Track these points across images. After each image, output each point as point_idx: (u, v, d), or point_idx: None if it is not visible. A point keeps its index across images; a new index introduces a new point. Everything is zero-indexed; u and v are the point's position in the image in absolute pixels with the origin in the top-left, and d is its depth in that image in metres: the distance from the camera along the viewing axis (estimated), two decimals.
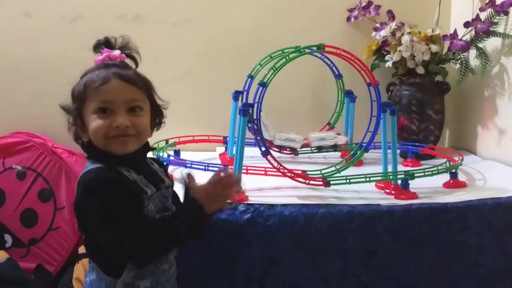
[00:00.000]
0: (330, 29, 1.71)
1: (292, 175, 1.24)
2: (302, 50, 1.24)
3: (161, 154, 1.40)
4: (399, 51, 1.51)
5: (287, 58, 1.23)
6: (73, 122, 0.91)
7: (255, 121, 1.20)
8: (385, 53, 1.60)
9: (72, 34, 1.63)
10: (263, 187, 1.28)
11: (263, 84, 1.22)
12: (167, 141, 1.54)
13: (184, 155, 1.53)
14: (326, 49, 1.26)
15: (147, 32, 1.64)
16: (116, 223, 0.82)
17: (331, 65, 1.56)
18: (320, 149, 1.51)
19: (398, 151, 1.61)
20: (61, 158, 1.55)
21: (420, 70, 1.55)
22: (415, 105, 1.58)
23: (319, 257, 1.15)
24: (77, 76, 0.93)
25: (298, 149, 1.50)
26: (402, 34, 1.53)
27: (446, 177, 1.33)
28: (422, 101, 1.58)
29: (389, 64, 1.57)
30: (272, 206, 1.16)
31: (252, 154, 1.33)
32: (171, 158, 1.39)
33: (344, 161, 1.35)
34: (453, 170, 1.33)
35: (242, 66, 1.55)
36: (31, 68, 1.64)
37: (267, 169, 1.27)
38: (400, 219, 1.16)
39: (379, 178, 1.26)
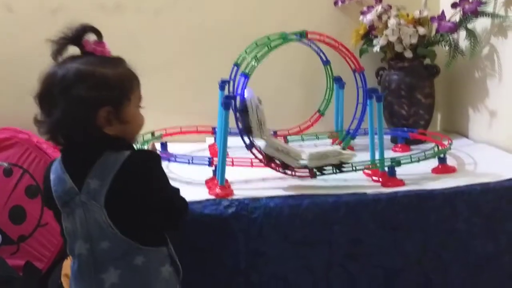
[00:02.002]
0: (318, 14, 1.68)
1: (278, 167, 1.22)
2: (284, 37, 1.21)
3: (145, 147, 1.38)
4: (386, 35, 1.48)
5: (269, 46, 1.20)
6: (107, 112, 0.86)
7: (238, 113, 1.18)
8: (373, 37, 1.57)
9: (53, 26, 1.59)
10: (250, 179, 1.26)
11: (246, 75, 1.19)
12: (153, 133, 1.52)
13: (172, 147, 1.51)
14: (309, 35, 1.23)
15: (129, 21, 1.60)
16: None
17: (319, 51, 1.52)
18: (321, 170, 1.20)
19: (389, 136, 1.60)
20: (46, 154, 1.53)
21: (408, 54, 1.52)
22: (404, 90, 1.56)
23: (304, 248, 1.13)
24: None
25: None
26: (389, 17, 1.50)
27: (435, 162, 1.31)
28: (411, 85, 1.55)
29: (376, 48, 1.54)
30: (257, 198, 1.14)
31: (241, 144, 1.30)
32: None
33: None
34: (442, 155, 1.31)
35: (228, 53, 1.51)
36: (13, 63, 1.61)
37: (253, 161, 1.26)
38: (385, 207, 1.15)
39: (365, 166, 1.24)
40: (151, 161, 0.90)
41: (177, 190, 0.95)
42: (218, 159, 1.19)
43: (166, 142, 1.51)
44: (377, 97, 1.25)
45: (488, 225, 1.19)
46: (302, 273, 1.14)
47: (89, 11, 1.58)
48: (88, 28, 0.89)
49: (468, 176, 1.27)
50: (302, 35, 1.22)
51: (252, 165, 1.26)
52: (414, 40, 1.49)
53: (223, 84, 1.48)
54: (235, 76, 1.49)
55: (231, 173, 1.25)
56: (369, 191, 1.18)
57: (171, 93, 1.64)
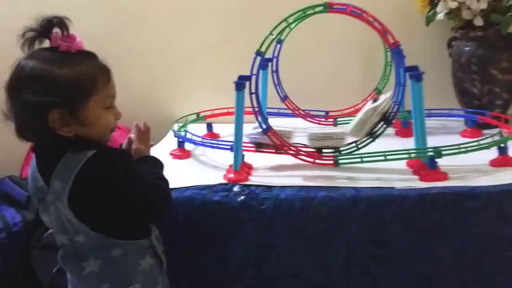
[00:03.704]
0: None
1: (295, 153, 1.13)
2: (303, 12, 1.10)
3: (182, 129, 1.37)
4: (445, 0, 1.26)
5: (287, 22, 1.10)
6: (60, 114, 0.82)
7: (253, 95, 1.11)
8: (438, 2, 1.36)
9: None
10: (277, 166, 1.19)
11: (260, 54, 1.11)
12: (198, 114, 1.51)
13: (218, 128, 1.49)
14: (334, 7, 1.10)
15: (177, 1, 1.59)
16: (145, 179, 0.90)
17: (373, 21, 1.36)
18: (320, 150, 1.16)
19: (462, 119, 1.39)
20: None
21: (478, 21, 1.28)
22: (475, 64, 1.33)
23: (319, 244, 1.04)
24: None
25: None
26: None
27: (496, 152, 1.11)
28: (484, 59, 1.32)
29: (440, 16, 1.33)
30: (269, 188, 1.07)
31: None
32: (188, 135, 1.34)
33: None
34: (502, 145, 1.10)
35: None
36: None
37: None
38: (414, 206, 1.00)
39: (398, 156, 1.09)
40: (112, 161, 0.86)
41: (152, 184, 0.90)
42: (234, 142, 1.14)
43: (211, 124, 1.49)
44: (415, 76, 1.08)
45: None
46: (317, 271, 1.05)
47: None
48: (55, 21, 0.84)
49: None
50: (325, 7, 1.09)
51: (276, 152, 1.18)
52: (483, 5, 1.25)
53: (265, 62, 1.41)
54: (278, 53, 1.41)
55: (259, 159, 1.20)
56: (398, 185, 1.04)
57: (219, 72, 1.60)
